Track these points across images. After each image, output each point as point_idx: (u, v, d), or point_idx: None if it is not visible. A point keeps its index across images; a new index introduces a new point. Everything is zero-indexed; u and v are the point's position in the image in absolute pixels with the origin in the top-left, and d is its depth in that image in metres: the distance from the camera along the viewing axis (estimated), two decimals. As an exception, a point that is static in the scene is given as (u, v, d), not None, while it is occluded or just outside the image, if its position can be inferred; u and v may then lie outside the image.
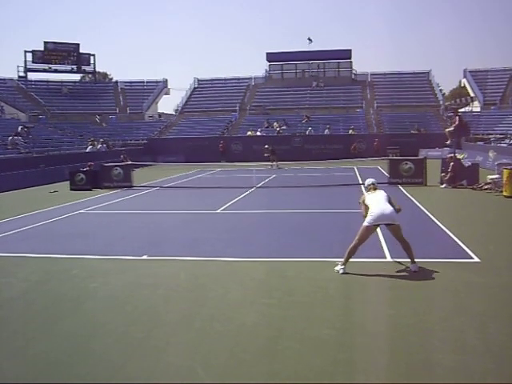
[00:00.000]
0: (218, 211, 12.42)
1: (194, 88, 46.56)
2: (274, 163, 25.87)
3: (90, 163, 19.54)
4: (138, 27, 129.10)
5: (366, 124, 36.87)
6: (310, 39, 45.41)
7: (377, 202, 6.72)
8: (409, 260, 6.66)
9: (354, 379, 3.86)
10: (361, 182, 18.13)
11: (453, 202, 13.36)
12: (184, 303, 5.71)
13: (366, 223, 6.62)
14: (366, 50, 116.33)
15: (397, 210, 6.75)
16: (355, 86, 43.76)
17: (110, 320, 5.29)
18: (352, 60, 45.24)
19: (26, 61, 43.53)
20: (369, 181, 7.32)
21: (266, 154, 26.42)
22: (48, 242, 9.31)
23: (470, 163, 17.44)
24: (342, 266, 6.59)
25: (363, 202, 6.94)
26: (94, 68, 47.23)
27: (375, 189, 7.09)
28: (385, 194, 6.94)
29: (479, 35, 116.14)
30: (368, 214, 6.66)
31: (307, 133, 34.86)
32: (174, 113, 46.20)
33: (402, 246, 6.72)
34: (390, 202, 6.79)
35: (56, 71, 45.05)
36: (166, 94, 48.52)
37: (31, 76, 45.01)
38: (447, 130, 19.33)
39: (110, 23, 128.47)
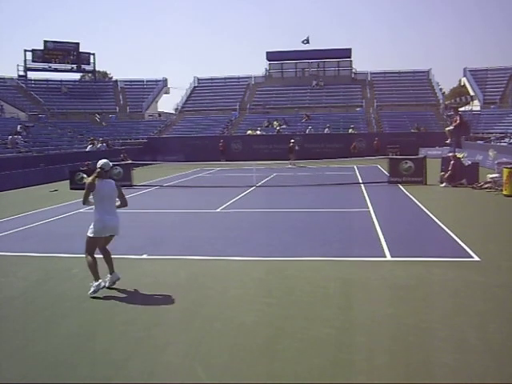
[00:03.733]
0: (218, 210, 12.43)
1: (194, 87, 46.53)
2: (292, 161, 25.39)
3: (87, 162, 19.57)
4: (138, 26, 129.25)
5: (365, 123, 36.84)
6: (307, 40, 45.10)
7: (102, 206, 5.85)
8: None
9: (354, 379, 3.86)
10: (361, 180, 18.17)
11: (453, 201, 13.35)
12: (184, 302, 5.70)
13: (90, 234, 5.88)
14: (366, 49, 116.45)
15: (121, 205, 6.09)
16: (355, 85, 43.71)
17: (110, 319, 5.29)
18: (352, 59, 45.25)
19: (25, 60, 43.42)
20: (101, 162, 5.88)
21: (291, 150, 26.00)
22: (48, 241, 9.31)
23: (469, 162, 17.43)
24: (95, 283, 5.87)
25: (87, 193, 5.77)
26: (94, 67, 47.16)
27: (104, 177, 5.88)
28: (115, 188, 5.99)
29: (479, 34, 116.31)
30: (93, 222, 5.84)
31: (307, 132, 34.82)
32: (173, 112, 46.19)
33: (104, 255, 6.13)
34: (120, 196, 6.07)
35: (56, 70, 44.95)
36: (165, 93, 48.53)
37: (31, 75, 44.92)
38: (447, 128, 19.31)
39: (109, 22, 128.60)
